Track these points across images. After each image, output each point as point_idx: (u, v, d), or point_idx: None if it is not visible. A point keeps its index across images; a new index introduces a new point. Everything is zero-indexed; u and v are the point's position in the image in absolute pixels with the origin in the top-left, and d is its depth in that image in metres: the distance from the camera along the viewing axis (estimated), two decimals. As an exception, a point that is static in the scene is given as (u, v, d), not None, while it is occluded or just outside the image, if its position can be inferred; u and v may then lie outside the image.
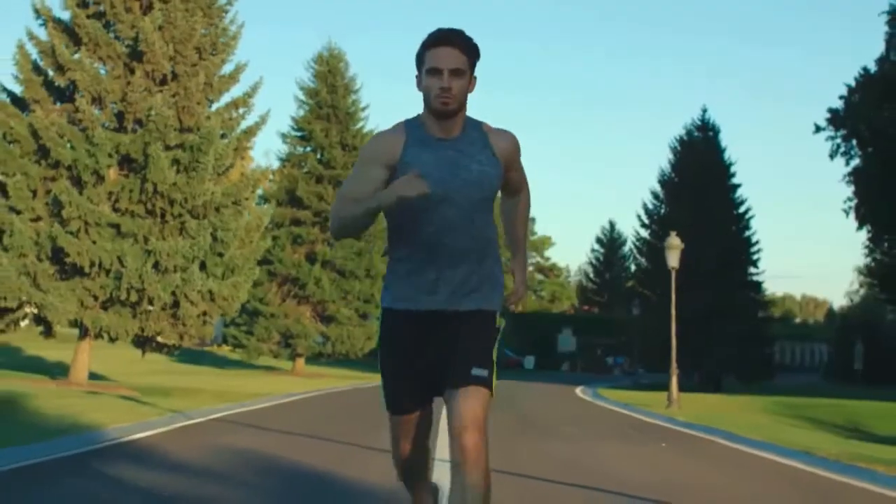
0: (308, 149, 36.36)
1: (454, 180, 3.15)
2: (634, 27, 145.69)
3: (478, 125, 3.27)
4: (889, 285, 44.57)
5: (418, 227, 3.18)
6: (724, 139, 46.66)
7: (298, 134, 36.37)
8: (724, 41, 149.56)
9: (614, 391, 30.37)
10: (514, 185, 3.46)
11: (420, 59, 3.16)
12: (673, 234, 20.83)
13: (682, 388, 35.09)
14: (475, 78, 3.20)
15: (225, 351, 47.55)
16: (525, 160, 3.47)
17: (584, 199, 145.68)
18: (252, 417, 12.95)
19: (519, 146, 3.35)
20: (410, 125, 3.23)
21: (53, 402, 13.12)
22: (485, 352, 3.18)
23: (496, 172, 3.22)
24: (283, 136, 36.29)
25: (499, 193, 3.41)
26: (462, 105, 3.17)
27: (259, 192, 30.40)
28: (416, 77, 3.18)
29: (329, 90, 36.06)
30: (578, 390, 29.75)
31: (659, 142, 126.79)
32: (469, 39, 3.17)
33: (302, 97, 36.34)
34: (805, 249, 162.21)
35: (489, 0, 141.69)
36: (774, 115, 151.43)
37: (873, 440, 15.81)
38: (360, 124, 36.38)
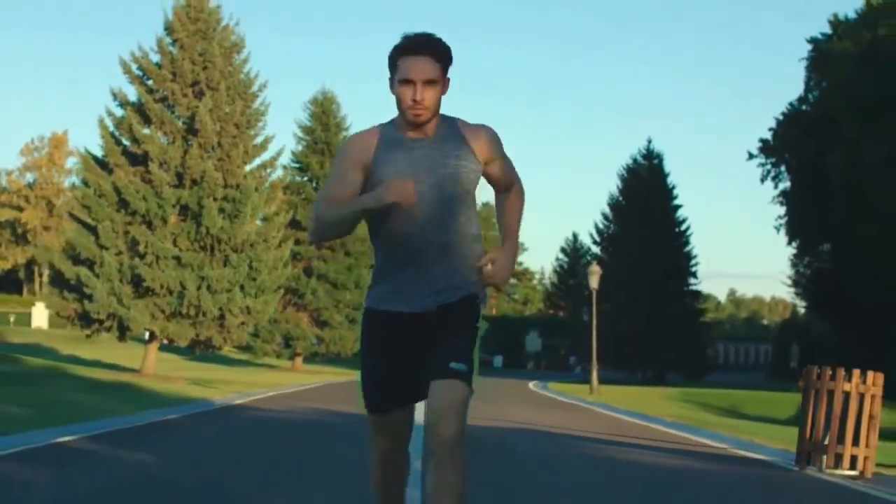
0: (305, 178, 42.51)
1: (430, 176, 3.09)
2: (622, 41, 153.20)
3: (452, 122, 3.19)
4: (808, 293, 51.22)
5: (397, 226, 3.12)
6: (668, 165, 52.96)
7: (297, 166, 42.47)
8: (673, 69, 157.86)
9: (561, 384, 35.85)
10: (501, 180, 3.31)
11: (392, 63, 3.09)
12: (594, 263, 27.22)
13: (628, 383, 41.10)
14: (448, 79, 3.13)
15: (226, 351, 53.47)
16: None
17: (555, 205, 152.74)
18: (295, 395, 19.14)
19: (497, 138, 3.23)
20: (384, 127, 3.18)
21: (154, 386, 19.18)
22: (464, 346, 3.16)
23: (474, 167, 3.15)
24: (284, 168, 42.31)
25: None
26: (435, 113, 3.11)
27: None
28: (389, 80, 3.11)
29: (323, 128, 42.11)
30: (532, 384, 35.27)
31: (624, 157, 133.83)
32: (441, 45, 3.10)
33: (300, 134, 42.42)
34: (774, 252, 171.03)
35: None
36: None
37: (728, 415, 22.14)
38: (350, 157, 42.31)
